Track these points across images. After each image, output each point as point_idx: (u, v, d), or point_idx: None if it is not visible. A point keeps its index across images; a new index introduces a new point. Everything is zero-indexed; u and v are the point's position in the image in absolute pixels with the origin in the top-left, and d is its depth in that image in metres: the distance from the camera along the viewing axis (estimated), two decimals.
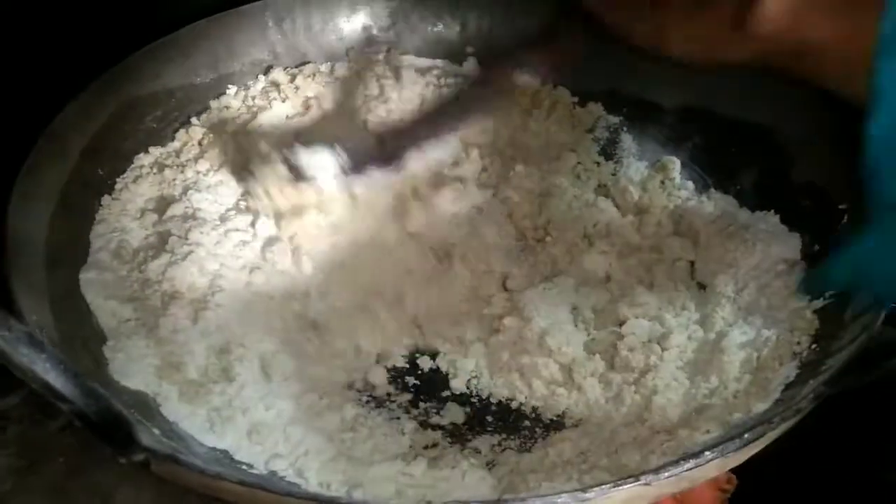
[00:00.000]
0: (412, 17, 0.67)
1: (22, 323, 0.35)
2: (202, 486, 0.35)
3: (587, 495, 0.34)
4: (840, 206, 0.50)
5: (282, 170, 0.51)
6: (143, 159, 0.57)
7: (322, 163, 0.51)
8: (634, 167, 0.61)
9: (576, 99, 0.64)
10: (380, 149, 0.53)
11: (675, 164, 0.60)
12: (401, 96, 0.61)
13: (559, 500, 0.34)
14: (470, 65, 0.66)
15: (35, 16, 0.58)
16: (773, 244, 0.51)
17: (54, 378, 0.28)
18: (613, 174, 0.61)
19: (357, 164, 0.52)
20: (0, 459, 0.48)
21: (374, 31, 0.67)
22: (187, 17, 0.61)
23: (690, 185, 0.59)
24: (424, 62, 0.65)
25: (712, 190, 0.58)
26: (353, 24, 0.66)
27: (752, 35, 0.36)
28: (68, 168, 0.51)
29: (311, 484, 0.41)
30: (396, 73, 0.63)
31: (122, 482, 0.47)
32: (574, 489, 0.35)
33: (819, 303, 0.46)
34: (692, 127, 0.61)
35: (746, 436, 0.36)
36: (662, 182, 0.59)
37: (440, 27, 0.67)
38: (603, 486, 0.34)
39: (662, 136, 0.62)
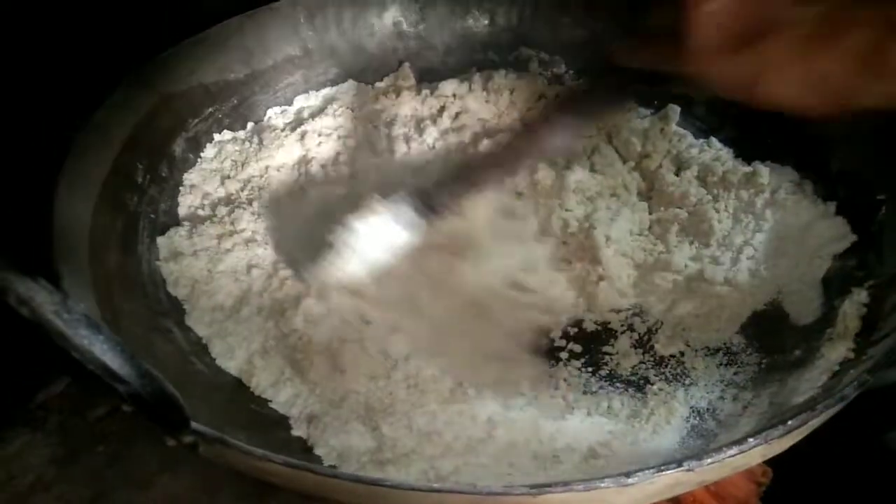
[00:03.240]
0: (441, 11, 0.68)
1: None
2: (248, 468, 0.36)
3: (630, 480, 0.34)
4: (878, 197, 0.50)
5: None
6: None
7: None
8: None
9: None
10: (425, 205, 0.51)
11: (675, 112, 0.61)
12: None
13: (602, 485, 0.34)
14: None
15: (73, 13, 0.59)
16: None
17: (111, 359, 0.29)
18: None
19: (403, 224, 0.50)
20: (41, 449, 0.49)
21: (405, 27, 0.67)
22: (221, 13, 0.62)
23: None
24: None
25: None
26: (383, 20, 0.67)
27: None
28: (110, 159, 0.52)
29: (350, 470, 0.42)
30: None
31: (160, 471, 0.48)
32: (617, 474, 0.35)
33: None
34: (724, 117, 0.61)
35: (790, 422, 0.36)
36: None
37: (469, 21, 0.68)
38: (646, 472, 0.34)
39: (694, 128, 0.62)
